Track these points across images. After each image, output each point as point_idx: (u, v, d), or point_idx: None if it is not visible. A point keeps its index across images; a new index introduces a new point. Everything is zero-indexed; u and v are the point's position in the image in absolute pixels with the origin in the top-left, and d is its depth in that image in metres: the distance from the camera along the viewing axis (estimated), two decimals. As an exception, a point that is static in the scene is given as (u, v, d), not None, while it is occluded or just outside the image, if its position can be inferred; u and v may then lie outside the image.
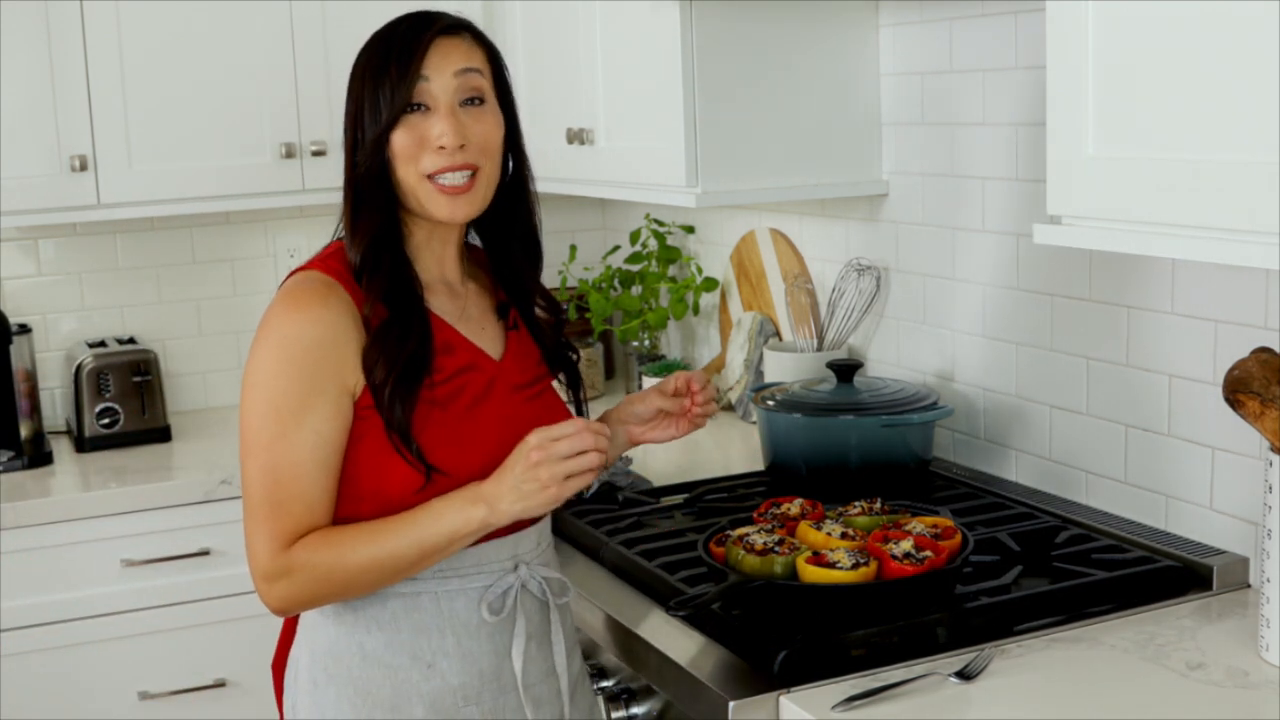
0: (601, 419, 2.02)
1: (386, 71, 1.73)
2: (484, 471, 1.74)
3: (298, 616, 1.85)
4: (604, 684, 2.03)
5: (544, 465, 1.67)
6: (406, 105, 1.73)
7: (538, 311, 1.93)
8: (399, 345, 1.72)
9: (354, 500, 1.73)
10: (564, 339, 1.96)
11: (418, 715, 1.76)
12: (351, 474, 1.73)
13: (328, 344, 1.70)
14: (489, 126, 1.78)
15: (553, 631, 1.85)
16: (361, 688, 1.76)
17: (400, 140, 1.74)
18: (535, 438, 1.69)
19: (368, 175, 1.75)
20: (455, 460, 1.74)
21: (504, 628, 1.80)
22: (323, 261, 1.78)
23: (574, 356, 1.97)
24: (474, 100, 1.77)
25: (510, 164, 1.86)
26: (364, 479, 1.73)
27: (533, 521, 1.83)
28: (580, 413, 1.96)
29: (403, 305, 1.75)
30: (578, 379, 1.98)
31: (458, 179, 1.75)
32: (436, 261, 1.84)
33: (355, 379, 1.71)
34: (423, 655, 1.76)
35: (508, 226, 1.89)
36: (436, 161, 1.74)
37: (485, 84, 1.79)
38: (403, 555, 1.69)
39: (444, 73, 1.74)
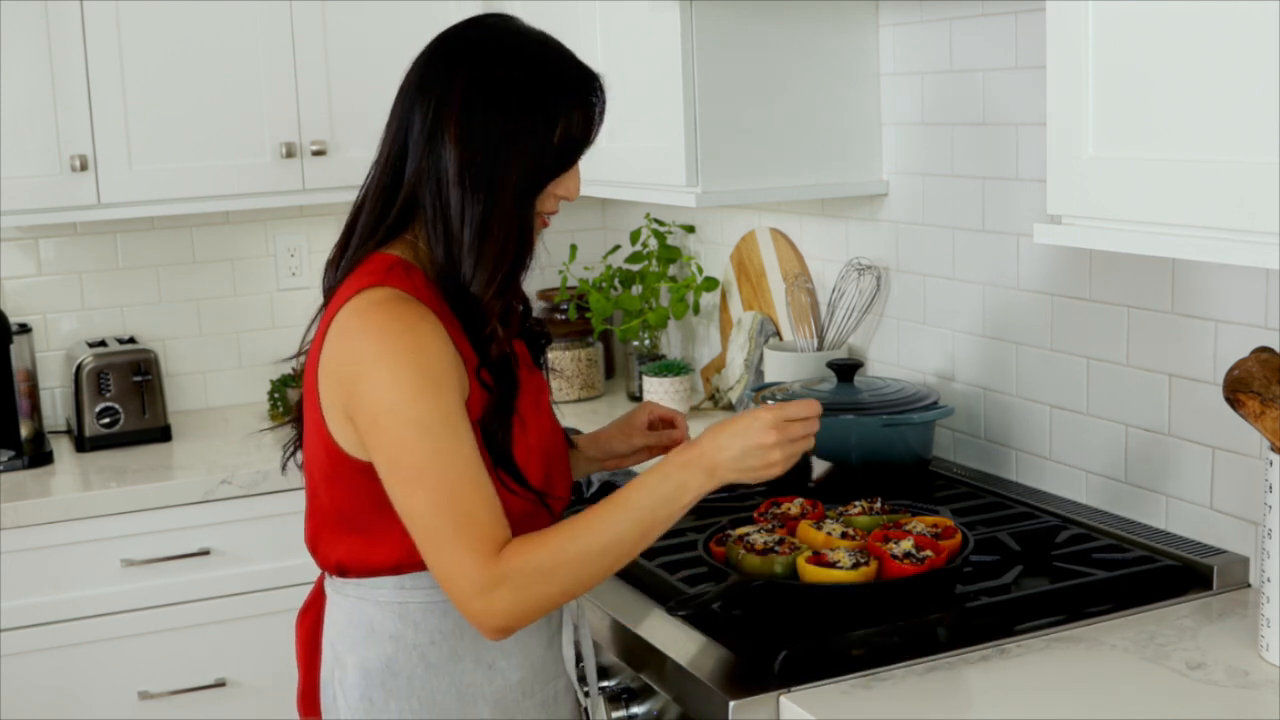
0: (577, 444, 2.05)
1: (566, 118, 1.71)
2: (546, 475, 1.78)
3: (322, 645, 1.82)
4: (604, 684, 2.03)
5: (780, 447, 1.67)
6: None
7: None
8: (509, 393, 1.73)
9: None
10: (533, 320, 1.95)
11: (485, 716, 1.77)
12: None
13: (449, 356, 1.65)
14: None
15: (579, 616, 1.88)
16: (426, 698, 1.75)
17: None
18: (770, 416, 1.67)
19: (516, 214, 1.71)
20: (542, 476, 1.77)
21: (550, 617, 1.83)
22: (387, 278, 1.69)
23: (540, 333, 1.96)
24: None
25: None
26: None
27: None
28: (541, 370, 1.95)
29: (504, 350, 1.75)
30: (541, 352, 1.95)
31: (554, 215, 1.80)
32: None
33: (466, 391, 1.68)
34: (484, 657, 1.77)
35: None
36: (554, 205, 1.77)
37: None
38: (624, 536, 1.64)
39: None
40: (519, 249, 1.72)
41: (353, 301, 1.68)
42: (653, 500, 1.65)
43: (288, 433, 1.93)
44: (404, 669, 1.75)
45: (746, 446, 1.66)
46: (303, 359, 1.81)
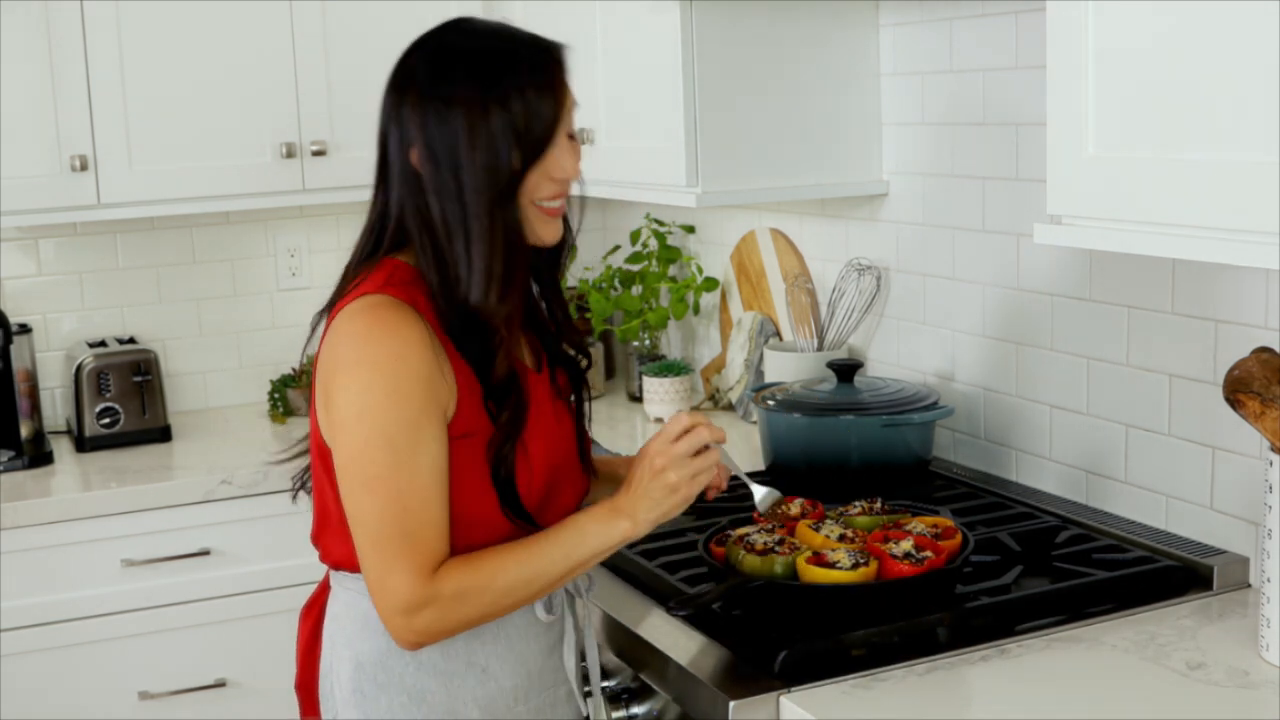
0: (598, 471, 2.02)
1: (523, 101, 1.65)
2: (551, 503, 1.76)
3: (322, 634, 1.83)
4: (604, 684, 2.02)
5: (670, 469, 1.68)
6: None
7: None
8: (517, 419, 1.71)
9: (466, 528, 1.69)
10: (575, 340, 1.92)
11: (474, 717, 1.77)
12: (460, 502, 1.69)
13: (428, 368, 1.64)
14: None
15: (583, 624, 1.88)
16: (415, 695, 1.76)
17: (532, 171, 1.68)
18: (654, 445, 1.70)
19: (497, 212, 1.65)
20: (542, 495, 1.75)
21: (552, 626, 1.83)
22: (386, 287, 1.68)
23: (583, 361, 1.92)
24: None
25: None
26: (473, 507, 1.70)
27: None
28: (581, 416, 1.93)
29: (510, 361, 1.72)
30: (580, 382, 1.93)
31: (559, 200, 1.74)
32: None
33: (449, 404, 1.67)
34: (477, 660, 1.77)
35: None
36: (552, 189, 1.71)
37: None
38: (549, 571, 1.68)
39: (569, 108, 1.71)
40: (509, 247, 1.67)
41: (348, 306, 1.68)
42: (584, 545, 1.69)
43: (293, 445, 1.94)
44: (396, 665, 1.75)
45: (645, 483, 1.70)
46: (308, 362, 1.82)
